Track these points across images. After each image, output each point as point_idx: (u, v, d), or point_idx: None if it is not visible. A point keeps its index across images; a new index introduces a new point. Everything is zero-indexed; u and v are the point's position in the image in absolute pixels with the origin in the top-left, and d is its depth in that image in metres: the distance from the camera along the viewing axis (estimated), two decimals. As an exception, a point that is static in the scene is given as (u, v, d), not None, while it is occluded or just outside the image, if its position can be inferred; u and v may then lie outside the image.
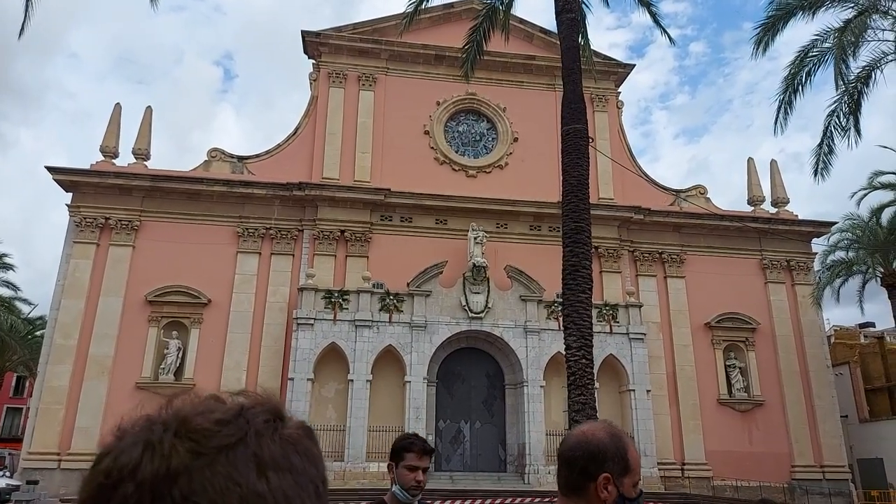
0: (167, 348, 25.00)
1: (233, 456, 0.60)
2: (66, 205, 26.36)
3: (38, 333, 38.15)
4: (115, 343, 24.68)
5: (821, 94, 63.32)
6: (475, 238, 26.46)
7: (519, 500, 20.27)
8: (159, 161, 34.39)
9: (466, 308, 25.60)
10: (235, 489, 0.58)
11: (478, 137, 31.12)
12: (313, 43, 30.04)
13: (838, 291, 29.48)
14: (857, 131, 18.83)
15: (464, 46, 16.48)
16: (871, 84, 19.11)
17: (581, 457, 1.76)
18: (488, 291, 25.90)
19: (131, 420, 0.66)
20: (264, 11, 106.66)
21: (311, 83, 30.26)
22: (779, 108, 17.56)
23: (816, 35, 18.51)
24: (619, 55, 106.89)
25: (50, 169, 26.02)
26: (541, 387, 25.14)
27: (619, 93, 32.71)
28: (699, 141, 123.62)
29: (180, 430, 0.61)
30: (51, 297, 25.49)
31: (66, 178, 26.21)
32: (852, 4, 18.15)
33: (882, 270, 28.57)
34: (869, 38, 18.84)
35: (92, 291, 25.17)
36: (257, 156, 28.79)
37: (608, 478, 1.74)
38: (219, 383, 24.47)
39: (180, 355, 25.14)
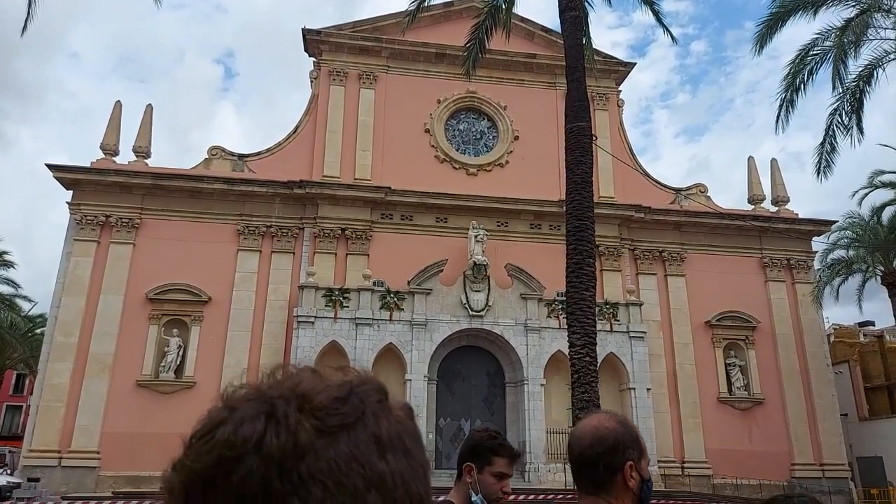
0: (168, 346, 24.99)
1: (354, 436, 0.57)
2: (67, 202, 26.32)
3: (38, 331, 38.12)
4: (115, 341, 24.66)
5: (822, 92, 63.35)
6: (476, 236, 26.46)
7: (522, 496, 20.28)
8: (160, 159, 34.41)
9: (467, 306, 25.61)
10: (359, 470, 0.56)
11: (478, 136, 31.11)
12: (314, 41, 30.01)
13: (838, 290, 29.52)
14: (860, 130, 18.84)
15: (466, 44, 16.47)
16: (872, 83, 19.12)
17: (603, 453, 1.78)
18: (489, 290, 25.91)
19: (233, 391, 0.63)
20: (265, 9, 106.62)
21: (311, 81, 30.23)
22: (780, 106, 17.57)
23: (818, 34, 18.51)
24: (620, 54, 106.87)
25: (50, 167, 25.98)
26: (541, 385, 25.15)
27: (620, 91, 32.70)
28: (700, 140, 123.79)
29: (303, 406, 0.58)
30: (51, 294, 25.47)
31: (66, 175, 26.18)
32: (854, 3, 18.15)
33: (882, 269, 28.60)
34: (871, 37, 18.85)
35: (92, 289, 25.14)
36: (258, 154, 28.77)
37: (632, 465, 1.77)
38: (219, 381, 24.45)
39: (181, 353, 25.12)
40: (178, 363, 25.00)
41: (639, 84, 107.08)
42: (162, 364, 24.82)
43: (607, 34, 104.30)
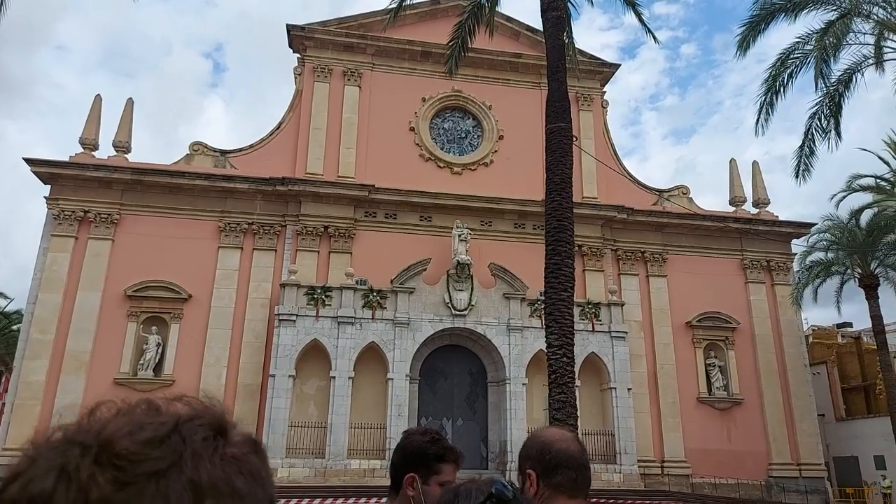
0: (146, 344, 24.71)
1: (164, 484, 0.51)
2: (45, 197, 25.94)
3: (14, 328, 37.55)
4: (92, 338, 24.35)
5: (807, 97, 64.11)
6: (459, 235, 26.44)
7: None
8: (146, 154, 34.02)
9: (450, 305, 25.58)
10: None
11: (463, 135, 31.08)
12: (298, 37, 29.80)
13: (816, 292, 29.85)
14: (838, 133, 19.04)
15: (448, 43, 16.43)
16: (851, 87, 19.32)
17: (586, 460, 2.00)
18: (472, 289, 25.90)
19: (47, 436, 0.57)
20: (256, 3, 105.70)
21: (295, 77, 30.03)
22: (760, 109, 17.71)
23: (798, 38, 18.67)
24: (611, 56, 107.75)
25: (28, 161, 25.58)
26: (523, 384, 25.20)
27: (605, 92, 32.82)
28: (687, 142, 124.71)
29: (102, 455, 0.52)
30: (28, 291, 25.09)
31: (44, 170, 25.79)
32: (834, 7, 18.32)
33: (860, 271, 28.96)
34: (850, 42, 19.04)
35: (70, 285, 24.81)
36: (240, 150, 28.52)
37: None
38: (199, 379, 24.26)
39: (160, 351, 24.86)
40: (156, 361, 24.74)
41: (628, 86, 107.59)
42: (140, 362, 24.54)
43: (598, 36, 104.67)
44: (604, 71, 32.46)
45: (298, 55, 30.19)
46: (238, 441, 0.59)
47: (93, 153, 26.88)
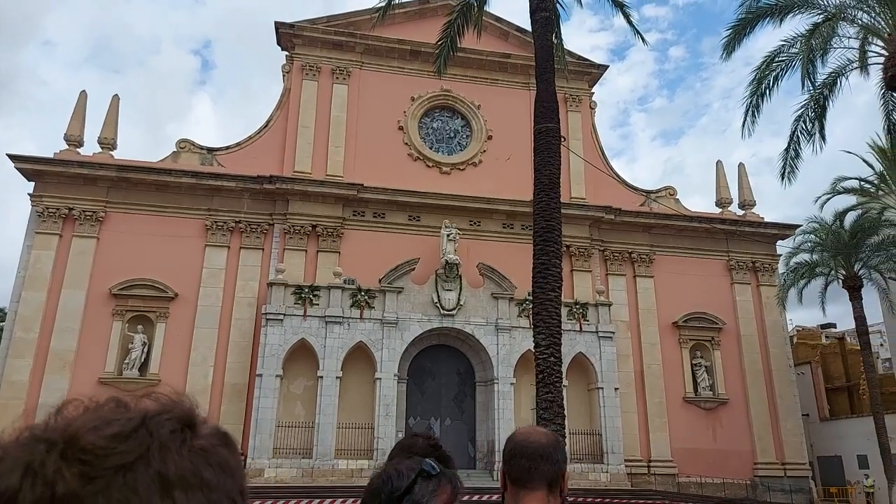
0: (132, 343, 24.49)
1: (132, 477, 0.52)
2: (29, 194, 25.64)
3: (-3, 326, 37.06)
4: (77, 337, 24.10)
5: (794, 99, 64.83)
6: (448, 235, 26.43)
7: (487, 496, 20.33)
8: (134, 152, 33.73)
9: (438, 305, 25.57)
10: None
11: (452, 134, 31.08)
12: (287, 34, 29.66)
13: (801, 293, 30.13)
14: (822, 136, 19.22)
15: (437, 42, 16.42)
16: (836, 90, 19.51)
17: (557, 453, 1.93)
18: (460, 289, 25.91)
19: (14, 435, 0.56)
20: (245, 1, 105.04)
21: (284, 75, 29.89)
22: (746, 111, 17.84)
23: (784, 41, 18.82)
24: (601, 57, 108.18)
25: (12, 157, 25.26)
26: (511, 384, 25.25)
27: (593, 93, 32.94)
28: (676, 144, 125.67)
29: (68, 450, 0.53)
30: (11, 289, 24.80)
31: (28, 166, 25.48)
32: (820, 11, 18.49)
33: (844, 273, 29.25)
34: (835, 45, 19.23)
35: (54, 284, 24.54)
36: (227, 148, 28.34)
37: (567, 474, 1.93)
38: (185, 379, 24.08)
39: (145, 350, 24.65)
40: (142, 360, 24.53)
41: (617, 87, 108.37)
42: (126, 361, 24.33)
43: (588, 37, 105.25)
44: (592, 72, 32.58)
45: (287, 53, 30.05)
46: (207, 434, 0.60)
47: (78, 150, 26.59)
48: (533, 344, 11.55)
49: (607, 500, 21.52)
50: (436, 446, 2.46)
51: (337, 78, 29.71)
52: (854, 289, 28.98)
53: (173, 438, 0.56)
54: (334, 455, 23.32)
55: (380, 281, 25.56)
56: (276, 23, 29.40)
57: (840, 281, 29.53)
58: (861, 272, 29.19)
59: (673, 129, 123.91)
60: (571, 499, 12.19)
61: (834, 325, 46.56)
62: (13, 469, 0.52)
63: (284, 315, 24.21)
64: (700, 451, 27.51)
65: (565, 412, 11.58)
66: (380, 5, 16.71)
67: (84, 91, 27.51)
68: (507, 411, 24.81)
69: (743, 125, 17.54)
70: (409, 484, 1.53)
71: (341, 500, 19.96)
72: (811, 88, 18.03)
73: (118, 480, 0.52)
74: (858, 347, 30.47)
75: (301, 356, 24.35)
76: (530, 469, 1.89)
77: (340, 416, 23.75)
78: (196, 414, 0.60)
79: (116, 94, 28.03)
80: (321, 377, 23.96)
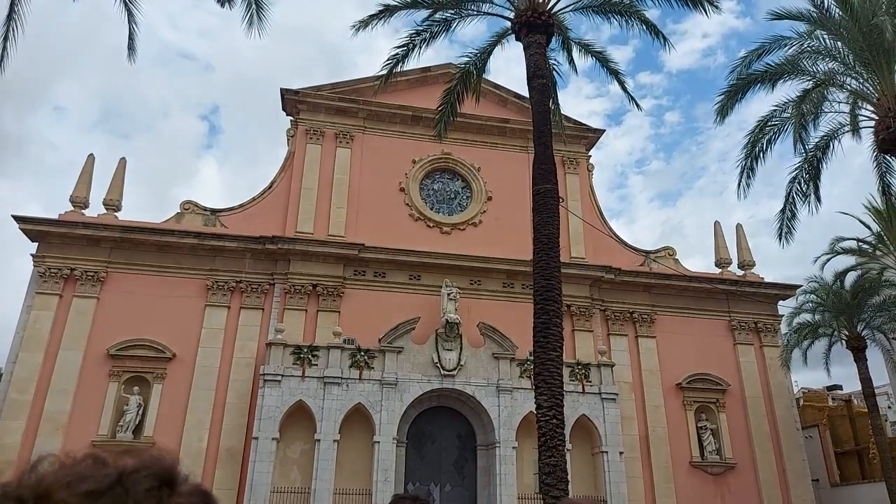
0: (127, 405, 24.08)
1: None
2: (31, 255, 25.79)
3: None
4: (71, 399, 23.72)
5: (789, 161, 66.04)
6: (448, 294, 26.42)
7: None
8: (139, 214, 34.06)
9: (438, 365, 25.30)
10: None
11: (452, 195, 31.54)
12: (292, 100, 30.54)
13: (805, 354, 29.86)
14: (818, 197, 19.54)
15: (438, 108, 16.92)
16: (829, 152, 19.96)
17: None
18: (461, 348, 25.69)
19: None
20: (253, 67, 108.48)
21: (288, 139, 30.60)
22: (741, 173, 18.21)
23: (776, 106, 19.40)
24: (598, 122, 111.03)
25: (16, 218, 25.56)
26: (513, 448, 24.67)
27: (590, 156, 33.61)
28: (674, 205, 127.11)
29: None
30: (8, 349, 24.60)
31: (32, 227, 25.74)
32: (809, 77, 19.13)
33: (847, 333, 29.07)
34: (826, 110, 19.80)
35: (51, 345, 24.36)
36: (231, 209, 28.70)
37: None
38: (179, 442, 23.56)
39: (140, 412, 24.21)
40: (136, 422, 24.05)
41: (615, 151, 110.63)
42: (120, 423, 23.85)
43: (585, 103, 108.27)
44: (589, 136, 33.35)
45: (292, 118, 30.86)
46: (186, 492, 0.57)
47: (83, 211, 26.92)
48: (535, 405, 11.36)
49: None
50: (416, 501, 2.43)
51: (340, 142, 30.41)
52: (858, 349, 28.74)
53: (149, 497, 0.54)
54: (331, 523, 22.54)
55: (380, 340, 25.38)
56: (281, 89, 30.33)
57: (843, 342, 29.31)
58: (864, 333, 29.02)
59: (671, 191, 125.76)
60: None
61: (840, 387, 45.86)
62: None
63: (283, 376, 23.91)
64: (709, 518, 26.59)
65: (569, 477, 11.27)
66: (382, 73, 17.31)
67: (91, 154, 28.11)
68: (510, 476, 24.15)
69: (738, 186, 17.86)
70: None
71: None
72: (804, 152, 18.44)
73: None
74: (866, 409, 29.92)
75: (298, 418, 23.91)
76: None
77: (337, 481, 23.11)
78: (177, 471, 0.58)
79: (123, 158, 28.62)
80: (318, 440, 23.44)
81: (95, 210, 27.24)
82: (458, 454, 25.93)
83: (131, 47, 17.12)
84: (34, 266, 25.66)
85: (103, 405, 23.93)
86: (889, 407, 43.17)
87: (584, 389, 25.93)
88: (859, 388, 29.73)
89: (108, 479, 0.53)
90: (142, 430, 23.97)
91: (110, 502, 0.51)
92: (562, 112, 18.90)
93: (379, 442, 23.80)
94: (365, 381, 24.51)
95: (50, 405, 23.51)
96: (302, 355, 24.34)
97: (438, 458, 25.71)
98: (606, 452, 25.31)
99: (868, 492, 30.52)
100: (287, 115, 31.11)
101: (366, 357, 24.84)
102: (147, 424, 24.07)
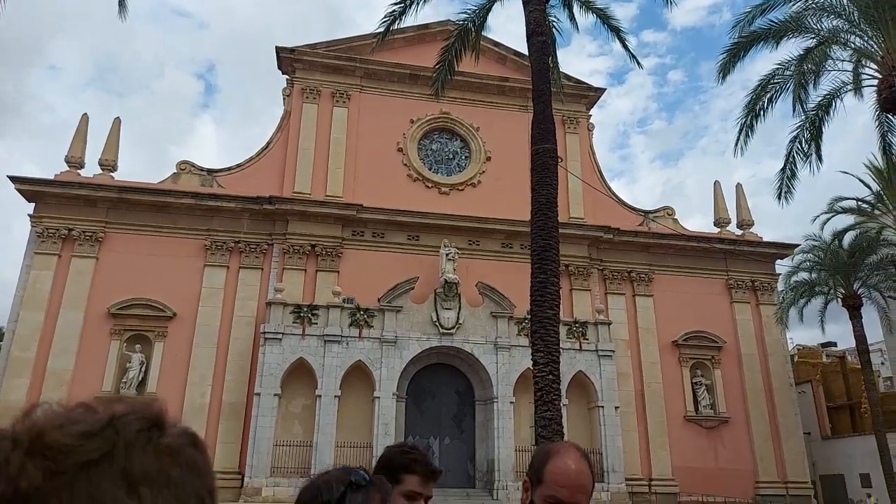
0: (129, 362, 24.45)
1: (96, 473, 0.53)
2: (29, 215, 25.78)
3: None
4: (74, 357, 24.06)
5: (793, 120, 65.31)
6: (447, 254, 26.53)
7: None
8: (136, 174, 33.90)
9: (437, 324, 25.58)
10: None
11: (451, 155, 31.34)
12: (287, 59, 30.04)
13: (801, 312, 30.16)
14: (819, 157, 19.41)
15: (436, 66, 16.67)
16: (831, 112, 19.74)
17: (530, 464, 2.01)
18: (459, 308, 25.94)
19: None
20: (248, 24, 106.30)
21: (284, 98, 30.21)
22: (740, 131, 18.06)
23: (779, 64, 19.10)
24: (600, 81, 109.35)
25: (12, 178, 25.45)
26: (510, 403, 25.16)
27: (591, 116, 33.27)
28: (675, 165, 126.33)
29: (33, 447, 0.53)
30: (9, 308, 24.83)
31: (29, 187, 25.66)
32: (813, 35, 18.78)
33: (843, 292, 29.31)
34: (829, 68, 19.51)
35: (52, 304, 24.57)
36: (228, 169, 28.55)
37: (525, 483, 1.96)
38: (182, 398, 24.01)
39: (143, 369, 24.60)
40: (139, 380, 24.46)
41: (617, 110, 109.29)
42: (123, 380, 24.25)
43: (588, 62, 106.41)
44: (589, 95, 32.94)
45: (287, 77, 30.41)
46: (175, 433, 0.60)
47: (79, 172, 26.78)
48: (532, 362, 11.58)
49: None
50: (404, 451, 2.50)
51: (337, 101, 30.03)
52: (854, 308, 29.02)
53: (139, 437, 0.57)
54: (333, 476, 23.13)
55: (379, 300, 25.60)
56: (277, 48, 29.79)
57: (840, 300, 29.57)
58: (860, 291, 29.26)
59: (672, 151, 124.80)
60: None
61: (835, 344, 46.47)
62: None
63: (283, 334, 24.21)
64: (701, 469, 27.33)
65: (564, 430, 11.57)
66: (379, 30, 17.00)
67: (86, 114, 27.83)
68: (507, 430, 24.70)
69: (736, 144, 17.76)
70: (338, 496, 1.52)
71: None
72: (802, 112, 18.24)
73: (83, 477, 0.53)
74: (859, 366, 30.41)
75: (299, 375, 24.30)
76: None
77: (339, 435, 23.64)
78: (165, 415, 0.61)
79: (118, 117, 28.34)
80: (319, 396, 23.88)
81: (91, 170, 27.14)
82: (457, 409, 26.46)
83: (122, 3, 16.75)
84: (32, 226, 25.68)
85: (106, 362, 24.28)
86: (882, 363, 43.82)
87: (580, 347, 26.30)
88: (853, 345, 30.15)
89: (100, 422, 0.56)
90: (145, 387, 24.38)
91: (102, 442, 0.54)
92: (561, 70, 18.64)
93: (379, 397, 24.25)
94: (365, 339, 24.82)
95: (53, 363, 23.85)
96: (302, 314, 24.59)
97: (438, 413, 26.25)
98: (602, 407, 25.84)
99: (858, 444, 31.29)
100: (283, 73, 30.64)
101: (365, 316, 25.09)
102: (150, 381, 24.47)
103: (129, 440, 0.55)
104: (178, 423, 0.62)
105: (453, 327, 25.64)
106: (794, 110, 17.15)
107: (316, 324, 24.62)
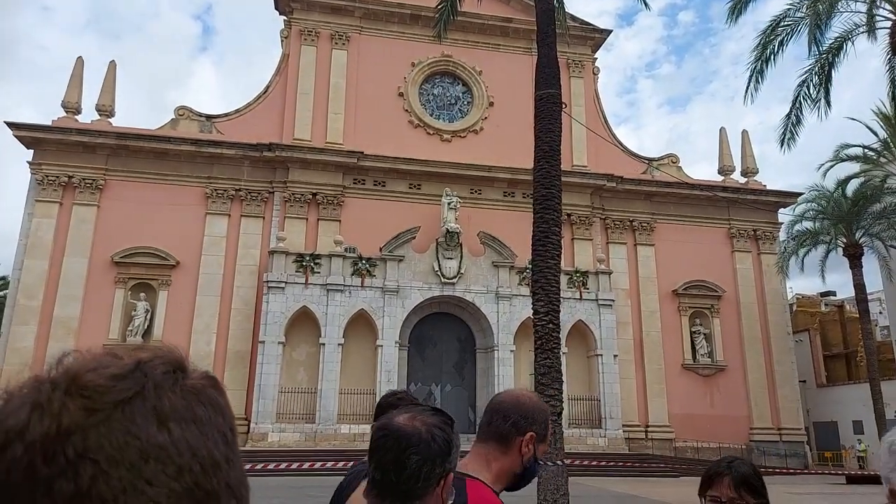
0: (135, 310, 24.69)
1: (130, 410, 0.58)
2: (28, 162, 25.56)
3: (1, 293, 37.32)
4: (80, 304, 24.28)
5: (803, 65, 63.73)
6: (449, 203, 26.39)
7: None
8: (135, 120, 33.39)
9: (439, 273, 25.67)
10: (134, 442, 0.57)
11: (453, 101, 30.77)
12: (285, -1, 29.15)
13: (802, 261, 30.10)
14: (828, 102, 18.95)
15: (437, 5, 16.14)
16: (842, 55, 19.20)
17: (515, 412, 1.93)
18: (461, 257, 25.97)
19: (19, 382, 0.63)
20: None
21: (282, 41, 29.48)
22: (750, 77, 17.60)
23: (790, 4, 18.46)
24: (608, 22, 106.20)
25: (10, 125, 25.12)
26: (511, 351, 25.50)
27: (596, 59, 32.49)
28: (684, 110, 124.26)
29: (71, 388, 0.58)
30: (14, 256, 24.91)
31: (26, 134, 25.35)
32: (827, -26, 18.08)
33: (844, 241, 29.19)
34: (842, 10, 18.87)
35: (55, 251, 24.63)
36: (227, 115, 28.11)
37: (533, 437, 1.91)
38: (188, 346, 24.32)
39: (148, 317, 24.85)
40: (145, 327, 24.74)
41: (625, 53, 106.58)
42: (129, 328, 24.55)
43: (595, 2, 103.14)
44: (595, 37, 32.08)
45: (285, 17, 29.59)
46: (197, 376, 0.66)
47: (76, 117, 26.40)
48: (532, 311, 11.65)
49: (604, 462, 21.89)
50: (397, 396, 2.55)
51: (336, 43, 29.30)
52: (854, 257, 28.95)
53: (166, 379, 0.62)
54: (337, 420, 23.70)
55: (381, 249, 25.62)
56: (273, -14, 28.88)
57: (841, 249, 29.47)
58: (862, 240, 29.12)
59: (680, 96, 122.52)
60: (569, 461, 12.40)
61: (834, 293, 46.70)
62: (21, 406, 0.58)
63: (286, 283, 24.34)
64: (697, 416, 27.90)
65: (563, 378, 11.72)
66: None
67: (80, 57, 27.19)
68: (507, 377, 25.12)
69: (746, 91, 17.34)
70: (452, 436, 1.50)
71: (343, 462, 20.32)
72: (818, 52, 17.74)
73: (118, 413, 0.58)
74: (857, 315, 30.59)
75: (303, 323, 24.56)
76: (482, 423, 1.96)
77: (342, 381, 24.06)
78: (186, 360, 0.66)
79: (113, 61, 27.72)
80: (323, 344, 24.20)
81: (89, 116, 26.74)
82: (458, 357, 26.84)
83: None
84: (31, 173, 25.50)
85: (112, 310, 24.52)
86: (880, 312, 44.11)
87: (581, 296, 26.46)
88: (853, 294, 30.23)
89: (129, 366, 0.61)
90: (150, 334, 24.69)
91: (133, 383, 0.60)
92: (567, 10, 18.04)
93: (382, 345, 24.58)
94: (367, 288, 24.96)
95: (59, 310, 24.08)
96: (304, 263, 24.66)
97: (439, 361, 26.64)
98: (601, 355, 26.19)
99: (852, 392, 31.83)
100: (280, 14, 29.81)
101: (367, 265, 25.16)
102: (155, 329, 24.76)
103: (157, 382, 0.61)
104: (197, 367, 0.67)
105: (455, 277, 25.74)
106: (809, 51, 16.66)
107: (318, 273, 24.72)
